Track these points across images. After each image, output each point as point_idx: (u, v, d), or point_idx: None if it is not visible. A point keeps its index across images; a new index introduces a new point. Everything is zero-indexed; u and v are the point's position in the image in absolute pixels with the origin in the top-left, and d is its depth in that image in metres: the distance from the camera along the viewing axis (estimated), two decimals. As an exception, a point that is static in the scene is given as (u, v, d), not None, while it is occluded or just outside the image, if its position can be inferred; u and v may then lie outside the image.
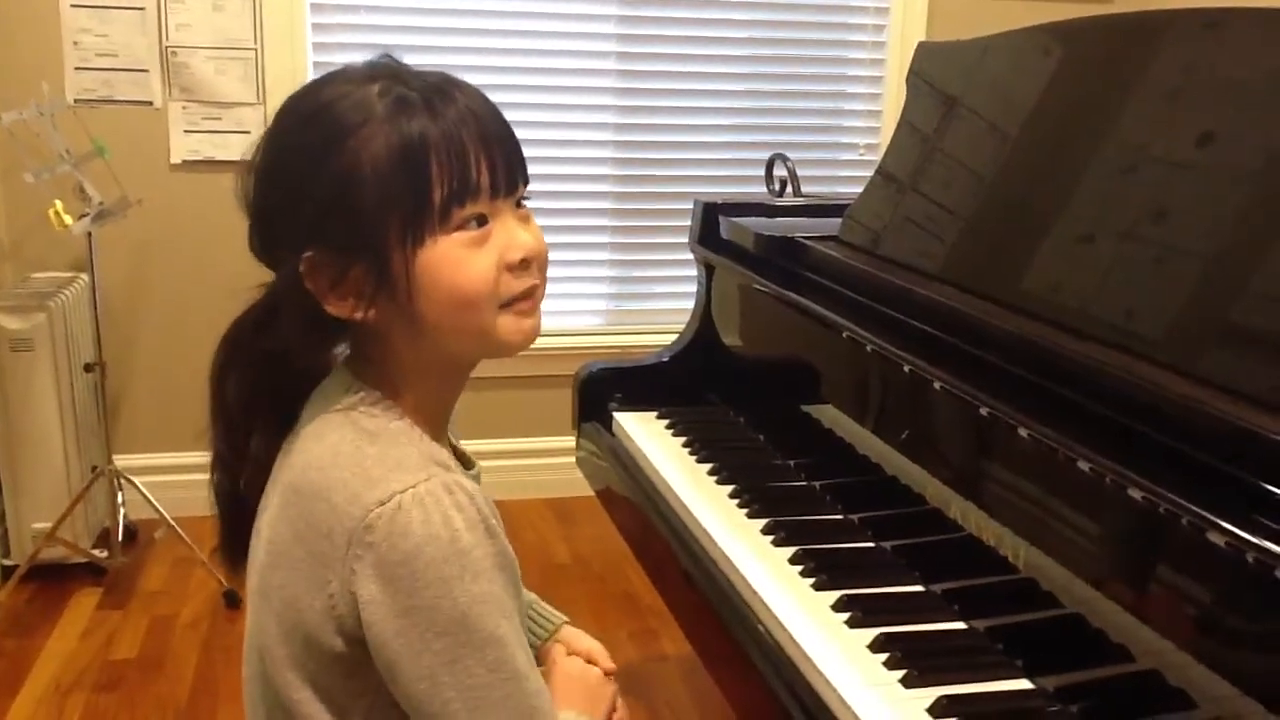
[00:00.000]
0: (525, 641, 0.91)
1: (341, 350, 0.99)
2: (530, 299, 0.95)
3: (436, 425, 0.98)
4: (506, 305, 0.93)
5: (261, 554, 0.95)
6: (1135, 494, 1.00)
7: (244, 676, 1.00)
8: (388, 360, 0.95)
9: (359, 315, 0.91)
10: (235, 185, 0.95)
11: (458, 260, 0.90)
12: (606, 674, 1.17)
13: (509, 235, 0.92)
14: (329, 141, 0.88)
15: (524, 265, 0.93)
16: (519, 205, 0.95)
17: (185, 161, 3.04)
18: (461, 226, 0.90)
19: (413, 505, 0.86)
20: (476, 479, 1.02)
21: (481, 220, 0.91)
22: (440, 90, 0.91)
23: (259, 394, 0.98)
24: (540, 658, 1.16)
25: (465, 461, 1.04)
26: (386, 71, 0.92)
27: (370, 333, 0.94)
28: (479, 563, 0.86)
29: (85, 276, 2.81)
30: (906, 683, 1.13)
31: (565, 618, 1.22)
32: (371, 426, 0.92)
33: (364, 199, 0.88)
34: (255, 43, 3.03)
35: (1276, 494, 0.89)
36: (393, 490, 0.86)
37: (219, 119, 3.04)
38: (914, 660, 1.16)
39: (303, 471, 0.92)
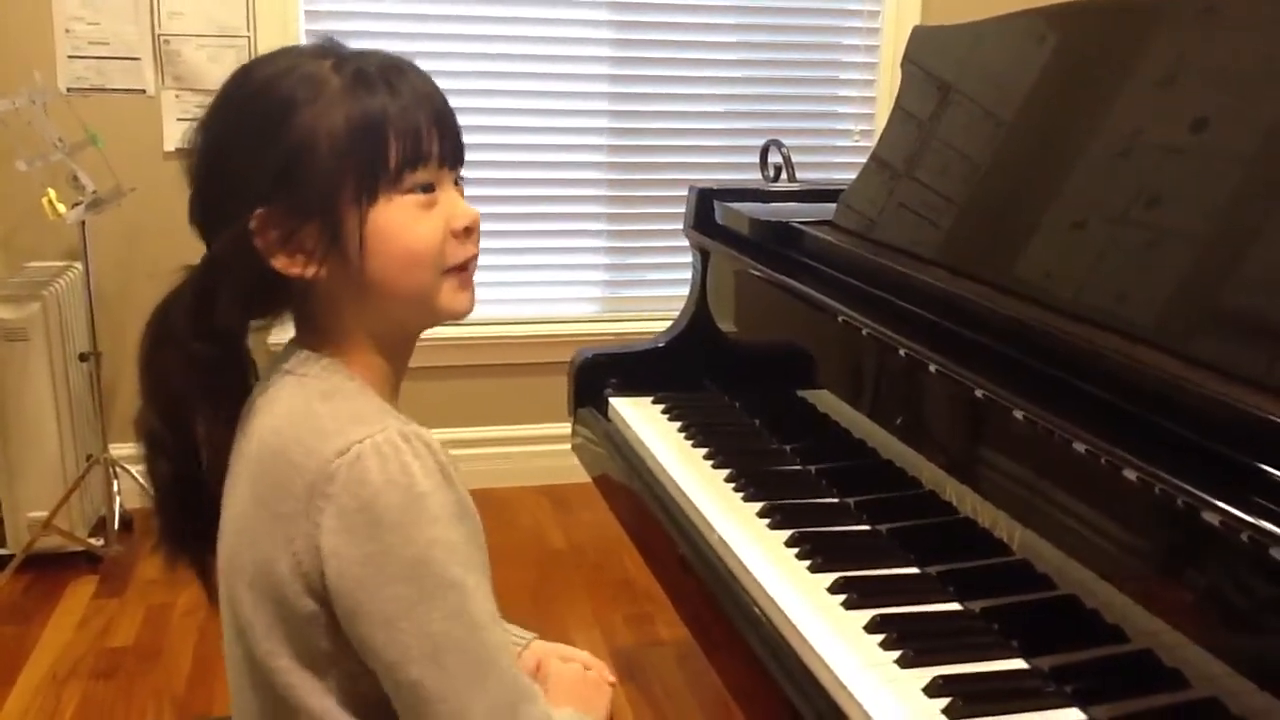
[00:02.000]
0: (490, 596, 0.91)
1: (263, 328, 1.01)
2: (467, 269, 0.99)
3: (386, 394, 0.99)
4: (448, 272, 0.97)
5: (225, 525, 0.95)
6: (1130, 475, 1.00)
7: (226, 661, 1.00)
8: (335, 326, 0.96)
9: (309, 273, 0.92)
10: (181, 158, 0.96)
11: (408, 221, 0.93)
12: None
13: (453, 204, 0.97)
14: (284, 110, 0.90)
15: (467, 233, 0.97)
16: (456, 183, 0.98)
17: (179, 150, 3.02)
18: (411, 190, 0.93)
19: (371, 454, 0.87)
20: None
21: (428, 188, 0.94)
22: (394, 68, 0.94)
23: (197, 371, 0.96)
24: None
25: None
26: (335, 48, 0.95)
27: (317, 298, 0.95)
28: (436, 509, 0.87)
29: (79, 265, 2.80)
30: (903, 663, 1.14)
31: (534, 634, 1.22)
32: (323, 386, 0.94)
33: (318, 164, 0.90)
34: (248, 30, 3.02)
35: (1271, 474, 0.89)
36: (350, 440, 0.87)
37: (212, 107, 3.03)
38: (910, 641, 1.16)
39: (259, 438, 0.93)
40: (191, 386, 0.97)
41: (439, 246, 0.95)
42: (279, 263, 0.92)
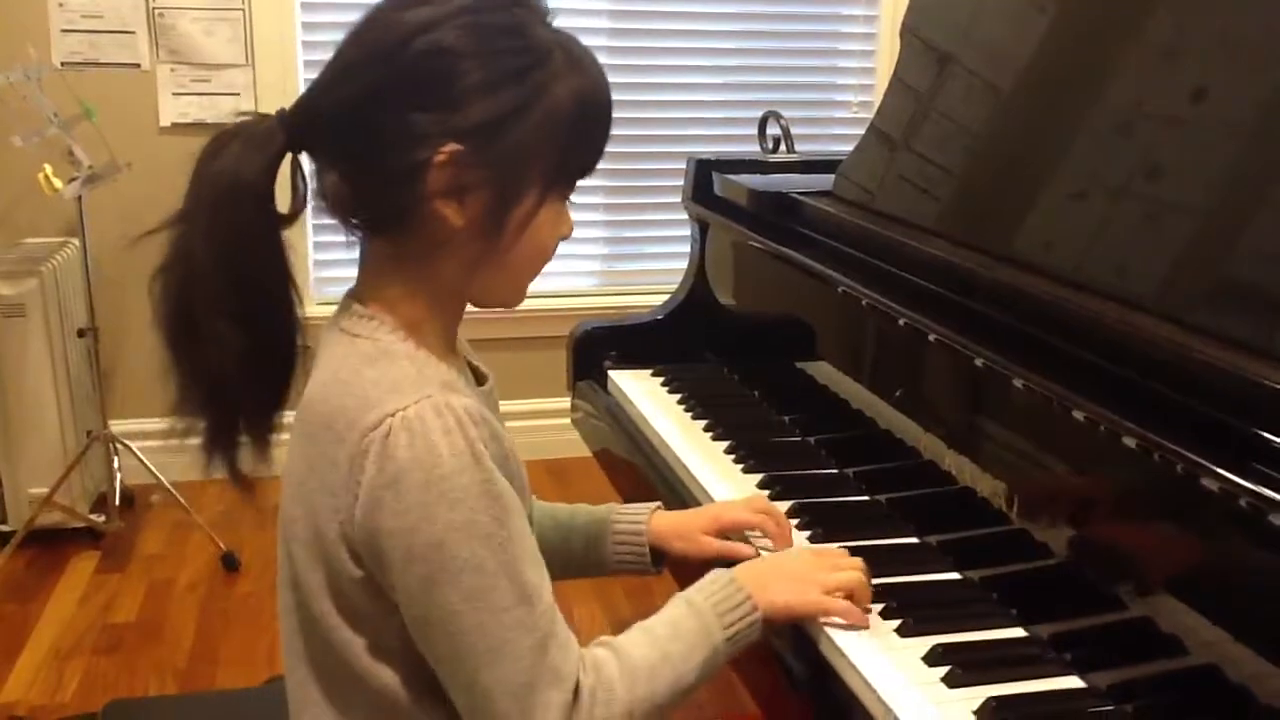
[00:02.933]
0: (520, 570, 0.90)
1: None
2: None
3: (445, 345, 1.00)
4: None
5: (286, 480, 0.97)
6: (1129, 442, 1.00)
7: (279, 609, 1.02)
8: (420, 276, 0.95)
9: (457, 222, 0.91)
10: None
11: (552, 219, 0.96)
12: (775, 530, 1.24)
13: (568, 214, 1.00)
14: (525, 64, 0.91)
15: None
16: None
17: (174, 124, 3.02)
18: (568, 197, 0.97)
19: (401, 429, 0.87)
20: (490, 394, 1.04)
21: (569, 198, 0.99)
22: (593, 58, 0.99)
23: (276, 237, 0.92)
24: (694, 549, 1.25)
25: (478, 376, 1.05)
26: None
27: (425, 241, 0.93)
28: (459, 490, 0.87)
29: (76, 241, 2.80)
30: (902, 632, 1.14)
31: (651, 505, 1.27)
32: (372, 349, 0.94)
33: (528, 130, 0.90)
34: (243, 3, 3.00)
35: (1269, 440, 0.89)
36: (385, 413, 0.88)
37: (208, 81, 3.02)
38: (910, 610, 1.16)
39: (309, 403, 0.94)
40: (273, 254, 0.92)
41: (554, 251, 0.99)
42: (439, 202, 0.90)
